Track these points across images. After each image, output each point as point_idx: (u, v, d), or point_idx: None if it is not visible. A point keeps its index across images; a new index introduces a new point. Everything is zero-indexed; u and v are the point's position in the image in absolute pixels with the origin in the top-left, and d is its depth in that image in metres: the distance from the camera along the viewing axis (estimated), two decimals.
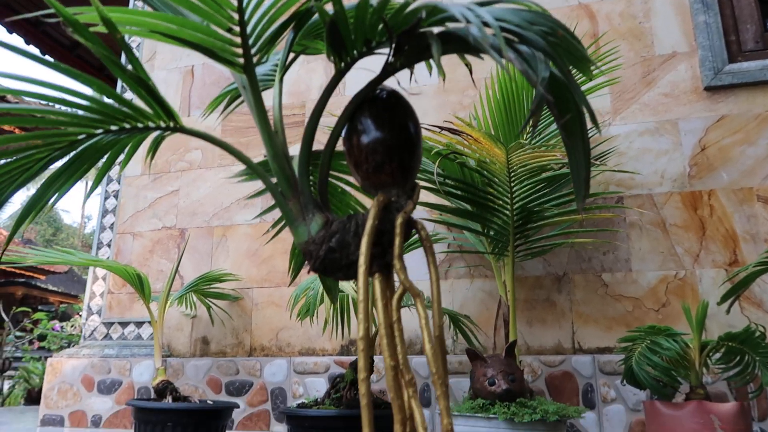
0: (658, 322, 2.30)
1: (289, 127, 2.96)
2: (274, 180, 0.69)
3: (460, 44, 0.57)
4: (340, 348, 2.58)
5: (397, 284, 0.62)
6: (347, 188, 0.92)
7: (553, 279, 2.46)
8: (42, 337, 8.57)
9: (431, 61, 0.70)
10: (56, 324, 8.76)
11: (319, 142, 2.74)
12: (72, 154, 0.63)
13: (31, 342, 8.78)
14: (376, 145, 0.62)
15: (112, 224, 3.09)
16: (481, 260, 2.50)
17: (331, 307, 2.04)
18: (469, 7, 0.50)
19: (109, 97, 0.60)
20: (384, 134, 0.63)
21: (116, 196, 3.14)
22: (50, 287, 15.30)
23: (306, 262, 0.67)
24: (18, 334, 8.40)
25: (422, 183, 2.17)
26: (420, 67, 0.71)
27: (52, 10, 0.56)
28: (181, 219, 3.00)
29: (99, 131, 0.62)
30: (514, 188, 1.98)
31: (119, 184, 3.16)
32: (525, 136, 2.09)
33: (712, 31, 2.59)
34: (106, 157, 0.68)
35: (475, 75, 2.69)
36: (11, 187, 0.62)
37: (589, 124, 0.62)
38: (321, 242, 0.62)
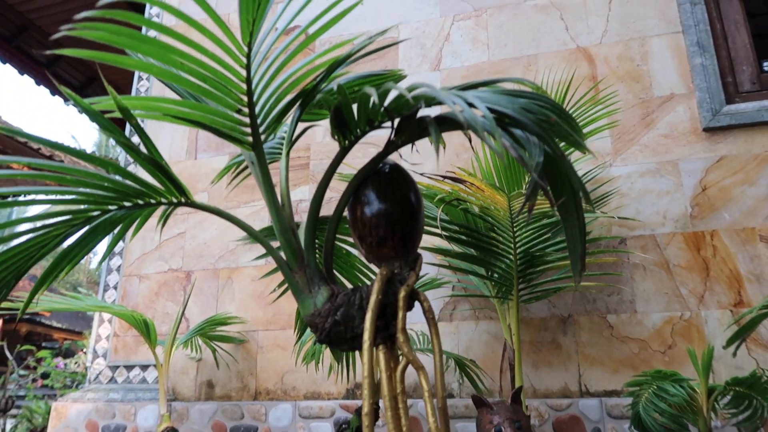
0: (664, 365, 2.28)
1: (294, 170, 3.00)
2: (276, 244, 0.71)
3: (457, 124, 0.60)
4: (346, 392, 2.57)
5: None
6: (352, 250, 0.94)
7: (558, 321, 2.45)
8: (45, 375, 8.51)
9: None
10: (60, 361, 8.71)
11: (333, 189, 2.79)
12: (86, 228, 0.66)
13: (34, 380, 8.73)
14: (379, 220, 0.65)
15: (119, 266, 3.11)
16: (486, 302, 2.51)
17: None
18: (459, 94, 0.53)
19: (124, 177, 0.63)
20: (386, 209, 0.65)
21: (123, 239, 3.17)
22: (54, 324, 15.27)
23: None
24: (21, 372, 8.36)
25: (427, 228, 2.19)
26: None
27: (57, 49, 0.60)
28: (187, 261, 3.02)
29: (113, 207, 0.65)
30: (517, 233, 2.00)
31: None
32: (525, 184, 2.12)
33: (709, 73, 2.64)
34: (118, 228, 0.71)
35: None
36: (29, 262, 0.64)
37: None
38: (327, 315, 0.64)
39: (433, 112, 0.75)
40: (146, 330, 2.17)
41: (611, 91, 2.71)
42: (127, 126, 3.51)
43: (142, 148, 0.67)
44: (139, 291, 3.03)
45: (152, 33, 3.43)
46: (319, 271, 0.67)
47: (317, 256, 0.68)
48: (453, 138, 2.87)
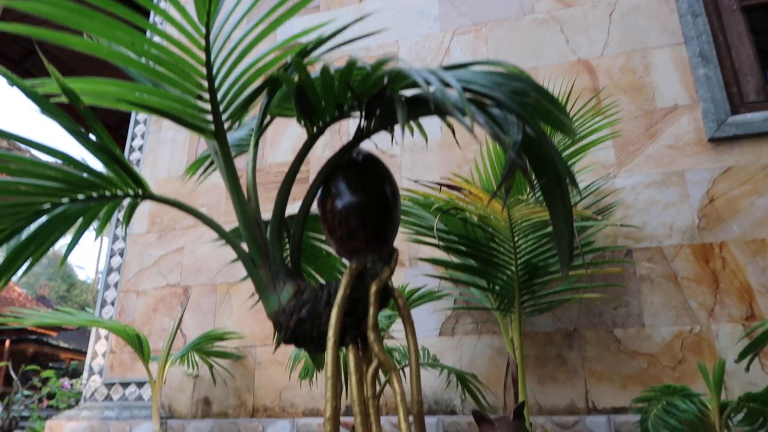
0: (675, 381, 2.20)
1: (295, 183, 2.98)
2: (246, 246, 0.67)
3: (430, 108, 0.56)
4: (345, 408, 2.50)
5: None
6: (332, 251, 0.90)
7: (564, 335, 2.38)
8: (51, 396, 8.46)
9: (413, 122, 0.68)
10: (65, 381, 8.67)
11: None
12: (38, 222, 0.61)
13: (40, 400, 8.68)
14: (350, 211, 0.60)
15: (117, 282, 3.08)
16: (489, 316, 2.44)
17: None
18: (433, 70, 0.49)
19: (74, 167, 0.59)
20: (358, 199, 0.61)
21: (121, 254, 3.14)
22: (62, 344, 15.27)
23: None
24: (26, 393, 8.32)
25: (425, 239, 2.14)
26: (425, 123, 0.69)
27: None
28: (185, 276, 2.98)
29: (64, 200, 0.61)
30: (518, 243, 1.94)
31: (124, 242, 3.17)
32: (527, 192, 2.07)
33: (713, 83, 2.60)
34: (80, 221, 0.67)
35: (478, 130, 2.71)
36: None
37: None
38: (291, 312, 0.59)
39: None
40: (139, 345, 2.12)
41: (613, 101, 2.67)
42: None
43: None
44: (137, 307, 2.99)
45: None
46: (285, 267, 0.63)
47: (285, 258, 0.64)
48: (454, 150, 2.83)
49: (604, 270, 2.32)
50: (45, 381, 8.26)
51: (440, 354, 2.46)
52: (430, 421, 2.33)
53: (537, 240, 1.98)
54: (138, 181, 0.64)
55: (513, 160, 0.47)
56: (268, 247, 0.64)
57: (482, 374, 2.38)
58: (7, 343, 14.32)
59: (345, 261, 0.98)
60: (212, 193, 3.08)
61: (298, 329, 0.59)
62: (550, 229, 1.99)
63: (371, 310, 0.57)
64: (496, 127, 0.49)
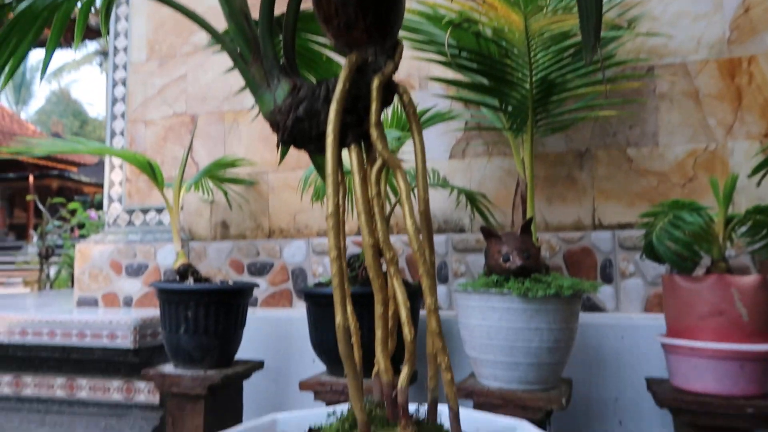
0: (683, 197, 2.21)
1: None
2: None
3: None
4: (357, 228, 2.59)
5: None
6: (333, 56, 0.83)
7: (575, 155, 2.36)
8: (81, 225, 8.90)
9: None
10: (92, 212, 9.05)
11: None
12: (6, 25, 0.56)
13: (72, 230, 9.17)
14: None
15: (123, 113, 3.04)
16: (500, 137, 2.41)
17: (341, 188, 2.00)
18: None
19: None
20: None
21: (124, 84, 3.06)
22: (83, 179, 15.75)
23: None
24: (57, 223, 8.78)
25: (434, 56, 2.03)
26: None
27: None
28: (191, 105, 2.93)
29: None
30: (534, 58, 1.83)
31: (125, 71, 3.07)
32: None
33: None
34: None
35: None
36: None
37: None
38: (288, 111, 0.56)
39: None
40: (152, 172, 2.14)
41: None
42: None
43: None
44: (146, 136, 2.99)
45: None
46: (278, 63, 0.58)
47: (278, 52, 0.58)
48: None
49: (622, 86, 2.22)
50: (73, 212, 8.64)
51: (450, 176, 2.47)
52: (439, 239, 2.42)
53: (555, 54, 1.87)
54: None
55: None
56: (258, 40, 0.58)
57: (492, 194, 2.41)
58: (31, 178, 14.79)
59: None
60: (212, 19, 2.90)
61: (296, 128, 0.56)
62: (569, 41, 1.86)
63: (374, 106, 0.53)
64: None
